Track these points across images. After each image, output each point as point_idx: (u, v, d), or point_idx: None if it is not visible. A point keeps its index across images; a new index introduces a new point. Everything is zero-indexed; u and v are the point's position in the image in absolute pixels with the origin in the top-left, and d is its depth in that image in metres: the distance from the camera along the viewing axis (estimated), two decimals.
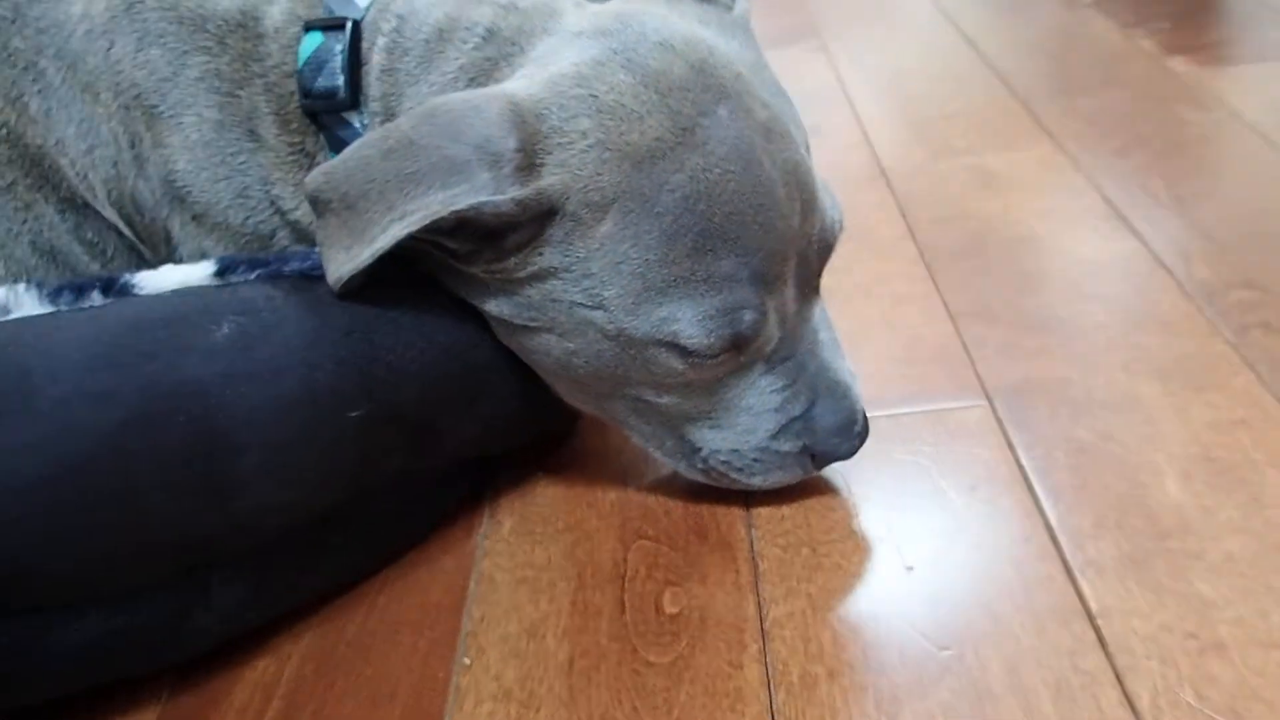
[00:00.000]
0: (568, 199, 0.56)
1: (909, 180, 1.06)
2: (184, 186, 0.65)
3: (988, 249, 0.92)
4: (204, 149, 0.65)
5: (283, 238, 0.67)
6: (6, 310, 0.55)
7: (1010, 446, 0.70)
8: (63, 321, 0.54)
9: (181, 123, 0.65)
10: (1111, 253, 0.89)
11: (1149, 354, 0.76)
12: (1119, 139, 1.08)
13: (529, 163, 0.55)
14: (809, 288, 0.63)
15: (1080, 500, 0.64)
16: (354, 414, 0.56)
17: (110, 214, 0.67)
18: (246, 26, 0.65)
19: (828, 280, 0.91)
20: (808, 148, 0.63)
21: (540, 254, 0.57)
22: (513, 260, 0.58)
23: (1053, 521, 0.63)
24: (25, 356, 0.52)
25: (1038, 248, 0.91)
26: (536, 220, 0.56)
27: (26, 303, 0.56)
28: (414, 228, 0.55)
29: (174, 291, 0.57)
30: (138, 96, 0.65)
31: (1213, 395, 0.71)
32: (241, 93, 0.64)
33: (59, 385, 0.51)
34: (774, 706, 0.55)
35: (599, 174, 0.55)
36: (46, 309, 0.56)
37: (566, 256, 0.57)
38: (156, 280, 0.58)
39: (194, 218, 0.66)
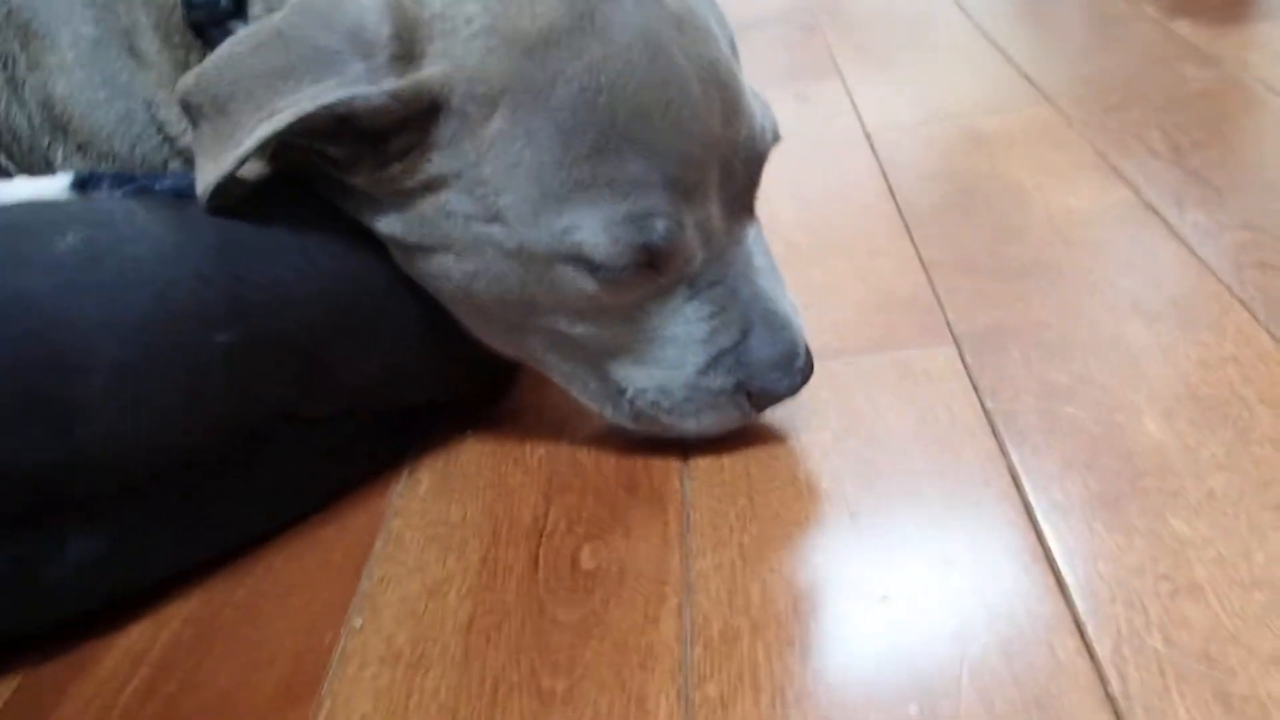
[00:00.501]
0: (452, 92, 0.50)
1: (893, 143, 1.00)
2: (63, 112, 0.61)
3: (971, 203, 0.86)
4: (82, 70, 0.60)
5: (176, 169, 0.61)
6: None
7: (975, 390, 0.63)
8: None
9: (57, 41, 0.60)
10: (1101, 202, 0.82)
11: (1136, 296, 0.69)
12: (1116, 97, 1.01)
13: (407, 52, 0.49)
14: (739, 205, 0.57)
15: (1048, 443, 0.58)
16: (221, 338, 0.51)
17: None
18: None
19: (799, 238, 0.85)
20: (735, 50, 0.58)
21: (428, 160, 0.52)
22: (398, 167, 0.52)
23: (1016, 464, 0.56)
24: None
25: (1023, 200, 0.85)
26: (420, 119, 0.51)
27: None
28: (280, 126, 0.49)
29: (20, 204, 0.52)
30: (9, 13, 0.60)
31: (1203, 334, 0.64)
32: (119, 6, 0.60)
33: None
34: (688, 662, 0.48)
35: (485, 63, 0.50)
36: None
37: (455, 160, 0.51)
38: (5, 192, 0.53)
39: (78, 147, 0.61)
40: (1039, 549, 0.51)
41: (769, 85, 1.05)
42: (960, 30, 1.29)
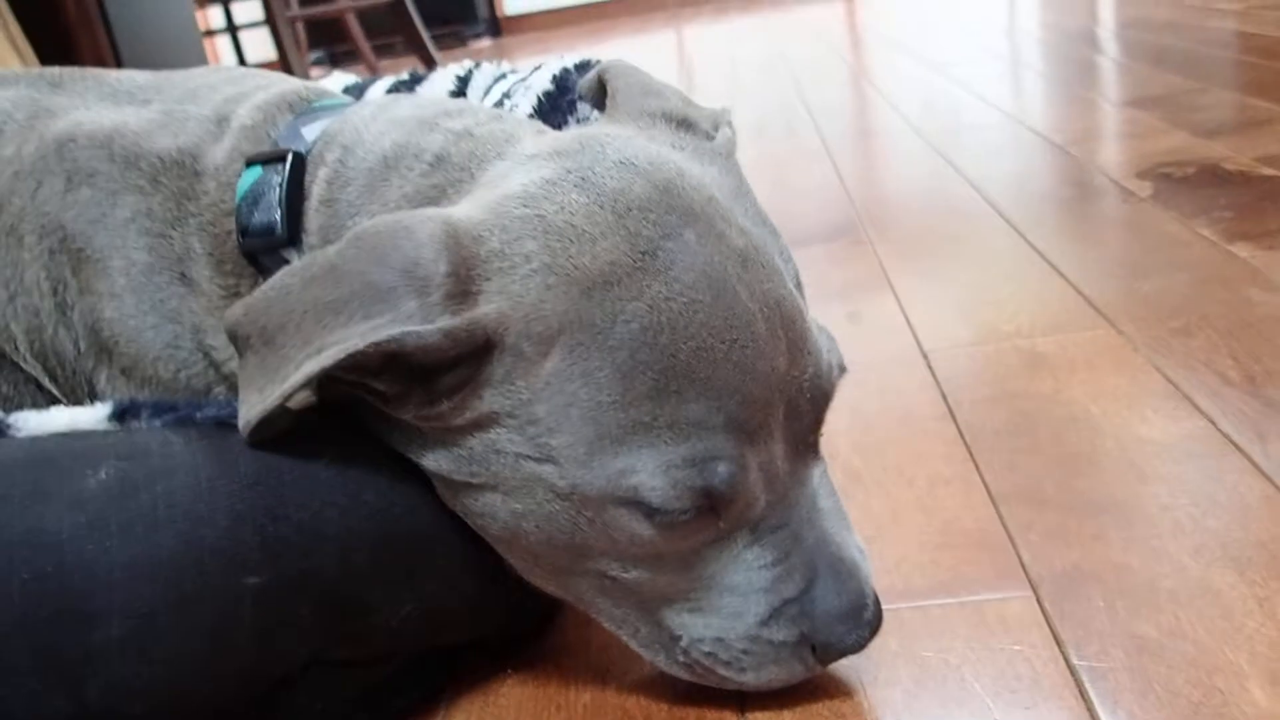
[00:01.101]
0: (507, 330, 0.48)
1: (951, 362, 0.97)
2: (110, 336, 0.60)
3: (1036, 429, 0.82)
4: (132, 295, 0.59)
5: (219, 395, 0.60)
6: None
7: (1058, 643, 0.58)
8: None
9: (109, 267, 0.59)
10: (1175, 433, 0.79)
11: (1223, 540, 0.65)
12: (1180, 319, 0.99)
13: (462, 289, 0.48)
14: (804, 445, 0.54)
15: (1144, 707, 0.52)
16: (251, 581, 0.48)
17: (31, 366, 0.61)
18: (184, 165, 0.60)
19: (856, 464, 0.82)
20: (799, 285, 0.56)
21: (479, 397, 0.50)
22: (448, 405, 0.50)
23: None
24: None
25: (1092, 428, 0.81)
26: (473, 357, 0.49)
27: None
28: (329, 363, 0.47)
29: (55, 434, 0.50)
30: (64, 240, 0.60)
31: None
32: (174, 233, 0.59)
33: None
34: None
35: (543, 302, 0.48)
36: None
37: (508, 399, 0.49)
38: (40, 422, 0.51)
39: (122, 371, 0.60)
40: None
41: (820, 302, 1.04)
42: (1008, 244, 1.28)
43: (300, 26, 3.67)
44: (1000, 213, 1.42)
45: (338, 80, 0.98)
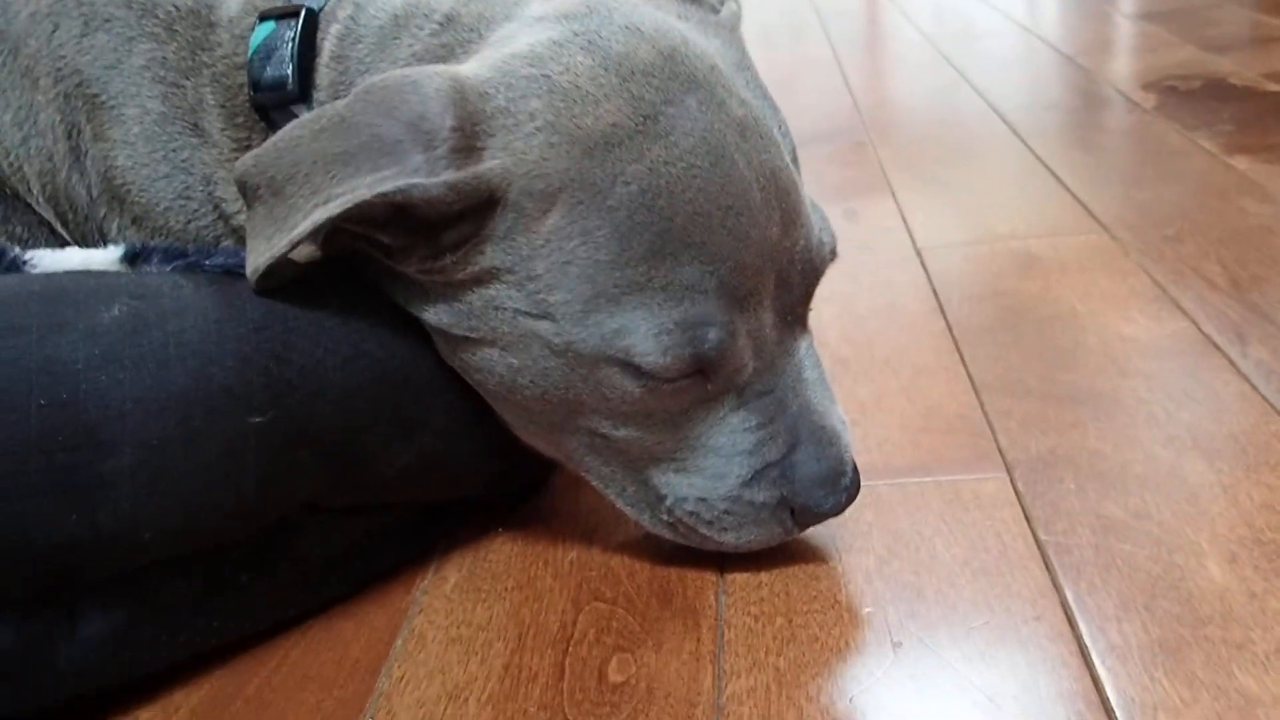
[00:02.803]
0: (510, 186, 0.49)
1: (944, 260, 0.99)
2: (123, 185, 0.61)
3: (1022, 325, 0.84)
4: (145, 143, 0.60)
5: (227, 247, 0.61)
6: None
7: (1028, 520, 0.61)
8: None
9: (123, 115, 0.60)
10: (1158, 333, 0.80)
11: (1196, 431, 0.67)
12: (1173, 227, 1.00)
13: (468, 144, 0.49)
14: (792, 316, 0.56)
15: (1105, 580, 0.55)
16: (256, 420, 0.50)
17: (44, 210, 0.62)
18: (199, 14, 0.60)
19: (846, 352, 0.84)
20: (795, 160, 0.57)
21: (481, 252, 0.51)
22: (450, 258, 0.51)
23: (1070, 601, 0.54)
24: None
25: (1077, 326, 0.83)
26: (476, 212, 0.50)
27: None
28: (335, 213, 0.49)
29: (69, 272, 0.52)
30: (80, 84, 0.61)
31: (1269, 476, 0.62)
32: (187, 83, 0.60)
33: None
34: None
35: (546, 159, 0.49)
36: None
37: (509, 255, 0.51)
38: (55, 260, 0.52)
39: (133, 220, 0.61)
40: (1094, 694, 0.48)
41: (820, 201, 1.05)
42: (1011, 152, 1.29)
43: None
44: (1005, 120, 1.42)
45: None
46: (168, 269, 0.53)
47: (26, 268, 0.51)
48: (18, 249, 0.52)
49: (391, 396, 0.55)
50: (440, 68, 0.51)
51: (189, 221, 0.61)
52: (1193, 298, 0.85)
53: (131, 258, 0.53)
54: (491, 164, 0.49)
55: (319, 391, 0.52)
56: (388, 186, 0.48)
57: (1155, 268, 0.91)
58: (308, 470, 0.53)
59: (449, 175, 0.48)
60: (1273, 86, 1.41)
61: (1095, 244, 0.99)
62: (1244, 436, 0.66)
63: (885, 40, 2.15)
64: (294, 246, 0.50)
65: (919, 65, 1.85)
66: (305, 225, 0.49)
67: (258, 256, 0.51)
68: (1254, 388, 0.71)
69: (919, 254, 1.01)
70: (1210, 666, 0.49)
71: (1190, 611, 0.52)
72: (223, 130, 0.60)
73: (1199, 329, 0.80)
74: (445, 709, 0.52)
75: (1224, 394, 0.71)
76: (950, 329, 0.85)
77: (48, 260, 0.52)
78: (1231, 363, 0.75)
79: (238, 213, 0.60)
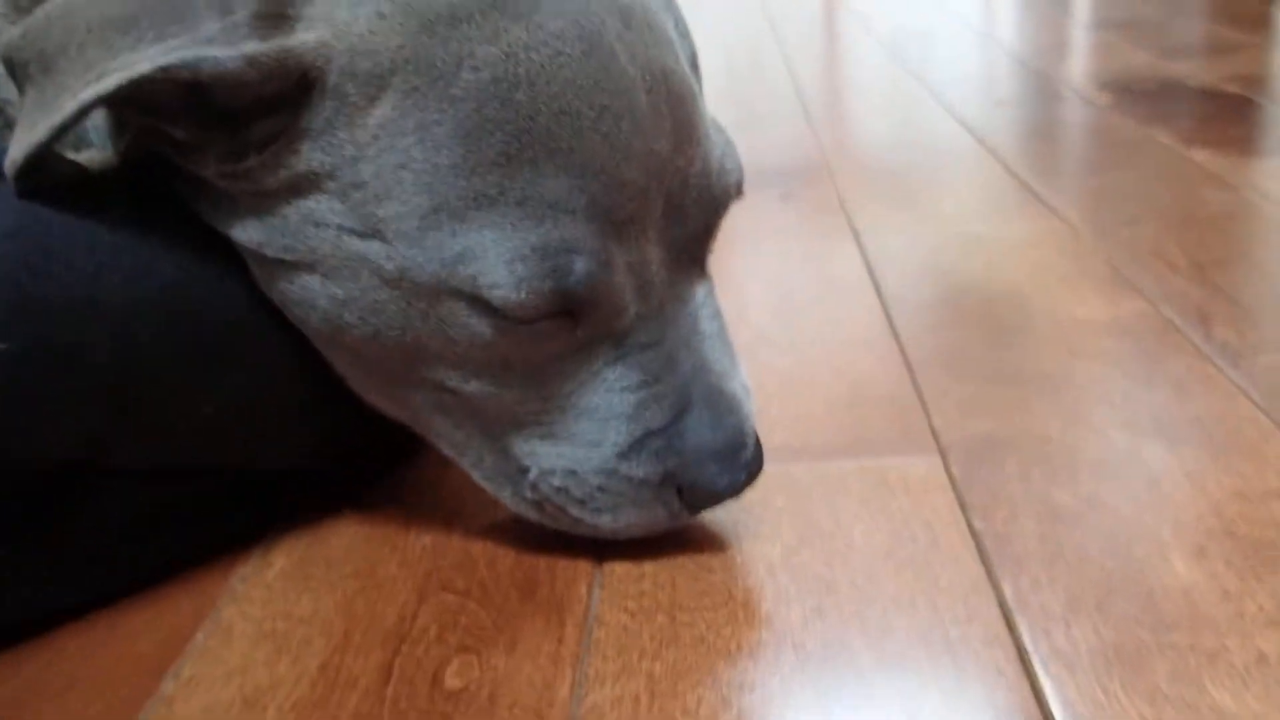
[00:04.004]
0: (329, 65, 0.40)
1: (881, 239, 0.90)
2: None
3: (963, 303, 0.75)
4: None
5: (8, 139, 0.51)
6: None
7: (963, 507, 0.51)
8: None
9: None
10: (1114, 314, 0.72)
11: (1156, 413, 0.59)
12: (1129, 211, 0.92)
13: (276, 10, 0.39)
14: (687, 255, 0.46)
15: (1051, 575, 0.46)
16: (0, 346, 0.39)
17: None
18: None
19: (767, 324, 0.75)
20: (696, 68, 0.48)
21: (295, 151, 0.41)
22: (256, 159, 0.41)
23: (1009, 598, 0.45)
24: None
25: (1023, 305, 0.74)
26: (287, 99, 0.40)
27: None
28: (105, 90, 0.39)
29: None
30: None
31: (1239, 462, 0.53)
32: None
33: None
34: None
35: (374, 34, 0.40)
36: None
37: (328, 154, 0.41)
38: None
39: None
40: (1035, 708, 0.39)
41: (754, 183, 0.96)
42: (961, 143, 1.21)
43: None
44: (954, 115, 1.34)
45: None
46: None
47: None
48: None
49: (188, 327, 0.45)
50: None
51: None
52: (1151, 280, 0.77)
53: None
54: (305, 36, 0.39)
55: (88, 315, 0.42)
56: (173, 59, 0.38)
57: (1111, 251, 0.83)
58: (70, 410, 0.42)
59: (250, 47, 0.38)
60: (1232, 88, 1.34)
61: (1047, 227, 0.90)
62: (1210, 420, 0.58)
63: (841, 44, 2.08)
64: (58, 133, 0.40)
65: (875, 70, 1.78)
66: (71, 107, 0.39)
67: (18, 147, 0.41)
68: (1219, 369, 0.63)
69: (855, 234, 0.92)
70: (1178, 679, 0.39)
71: (1151, 613, 0.43)
72: (3, 10, 0.50)
73: (1158, 310, 0.72)
74: (237, 718, 0.42)
75: (1186, 377, 0.63)
76: (884, 304, 0.76)
77: None
78: (1194, 344, 0.66)
79: (12, 101, 0.50)
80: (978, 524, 0.50)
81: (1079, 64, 1.63)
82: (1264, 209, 0.90)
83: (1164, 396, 0.60)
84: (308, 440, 0.52)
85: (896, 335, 0.71)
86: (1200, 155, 1.08)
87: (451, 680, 0.43)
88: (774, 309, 0.77)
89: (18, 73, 0.43)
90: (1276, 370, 0.62)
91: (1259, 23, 1.82)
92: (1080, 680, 0.40)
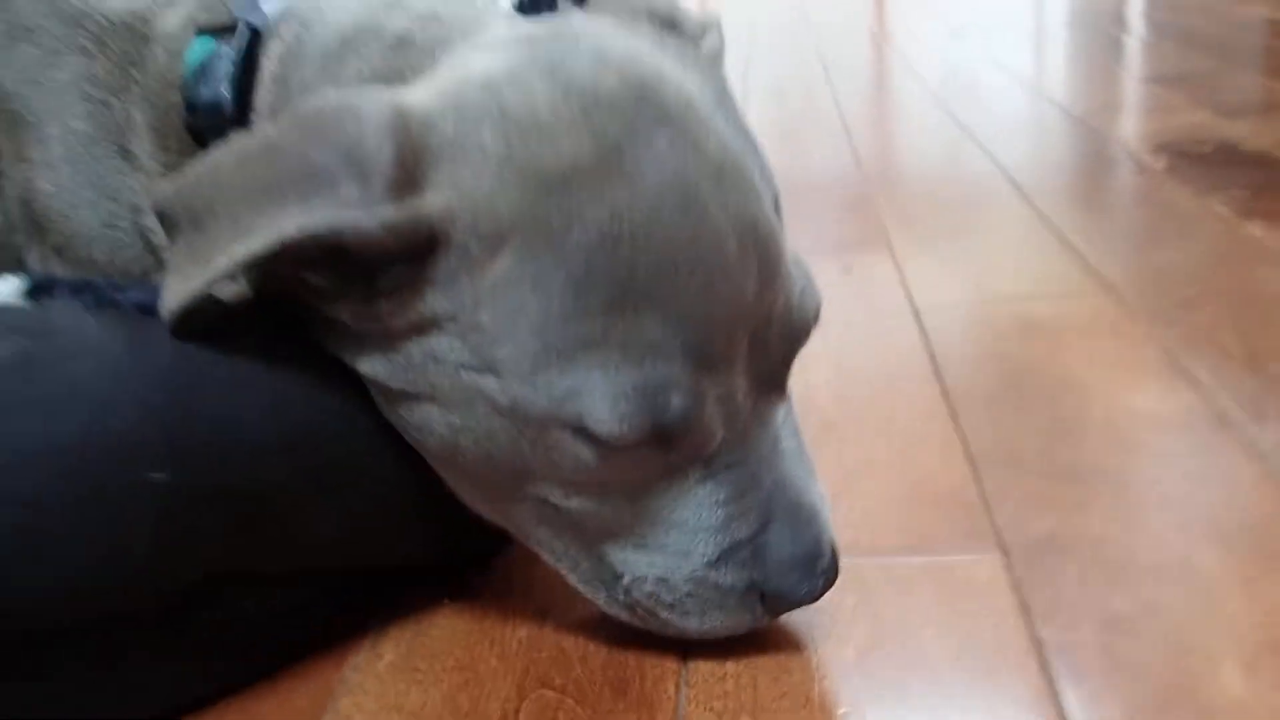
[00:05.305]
0: (454, 226, 0.44)
1: (943, 320, 0.93)
2: (44, 211, 0.56)
3: (1023, 394, 0.79)
4: (69, 166, 0.55)
5: (148, 282, 0.56)
6: None
7: (1025, 611, 0.55)
8: None
9: (45, 134, 0.55)
10: (1170, 405, 0.75)
11: (1210, 517, 0.61)
12: (1184, 293, 0.95)
13: (408, 178, 0.44)
14: (768, 383, 0.50)
15: (1110, 685, 0.49)
16: (156, 478, 0.44)
17: None
18: (133, 28, 0.56)
19: (834, 415, 0.78)
20: (778, 208, 0.52)
21: (421, 298, 0.46)
22: (386, 305, 0.46)
23: (1072, 710, 0.48)
24: None
25: (1082, 395, 0.77)
26: (416, 254, 0.45)
27: None
28: (257, 249, 0.43)
29: None
30: (1, 100, 0.56)
31: None
32: (116, 101, 0.55)
33: None
34: None
35: (496, 197, 0.44)
36: None
37: (451, 301, 0.45)
38: None
39: (54, 249, 0.56)
40: None
41: (814, 254, 1.00)
42: (1016, 210, 1.24)
43: None
44: (1011, 179, 1.37)
45: None
46: (76, 303, 0.48)
47: None
48: None
49: (316, 455, 0.49)
50: (383, 91, 0.46)
51: (114, 252, 0.56)
52: (1206, 369, 0.80)
53: (36, 290, 0.48)
54: (434, 200, 0.44)
55: (232, 448, 0.47)
56: (316, 222, 0.43)
57: (1166, 335, 0.86)
58: (215, 534, 0.47)
59: (386, 212, 0.43)
60: None
61: (1102, 308, 0.93)
62: (1263, 525, 0.60)
63: (891, 95, 2.11)
64: (210, 286, 0.45)
65: (925, 123, 1.81)
66: (223, 262, 0.44)
67: (173, 295, 0.46)
68: (1270, 472, 0.66)
69: (917, 314, 0.96)
70: None
71: None
72: (152, 154, 0.55)
73: (1212, 404, 0.75)
74: None
75: (1240, 476, 0.65)
76: (946, 393, 0.80)
77: None
78: (1250, 442, 0.69)
79: (169, 245, 0.55)
80: (1040, 631, 0.53)
81: (1133, 123, 1.65)
82: None
83: (1218, 497, 0.63)
84: (419, 543, 0.56)
85: (959, 428, 0.74)
86: (1256, 229, 1.10)
87: None
88: (839, 396, 0.81)
89: (168, 224, 0.48)
90: None
91: None
92: None
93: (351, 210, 0.43)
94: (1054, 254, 1.08)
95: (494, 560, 0.63)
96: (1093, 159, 1.44)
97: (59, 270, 0.56)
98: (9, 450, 0.41)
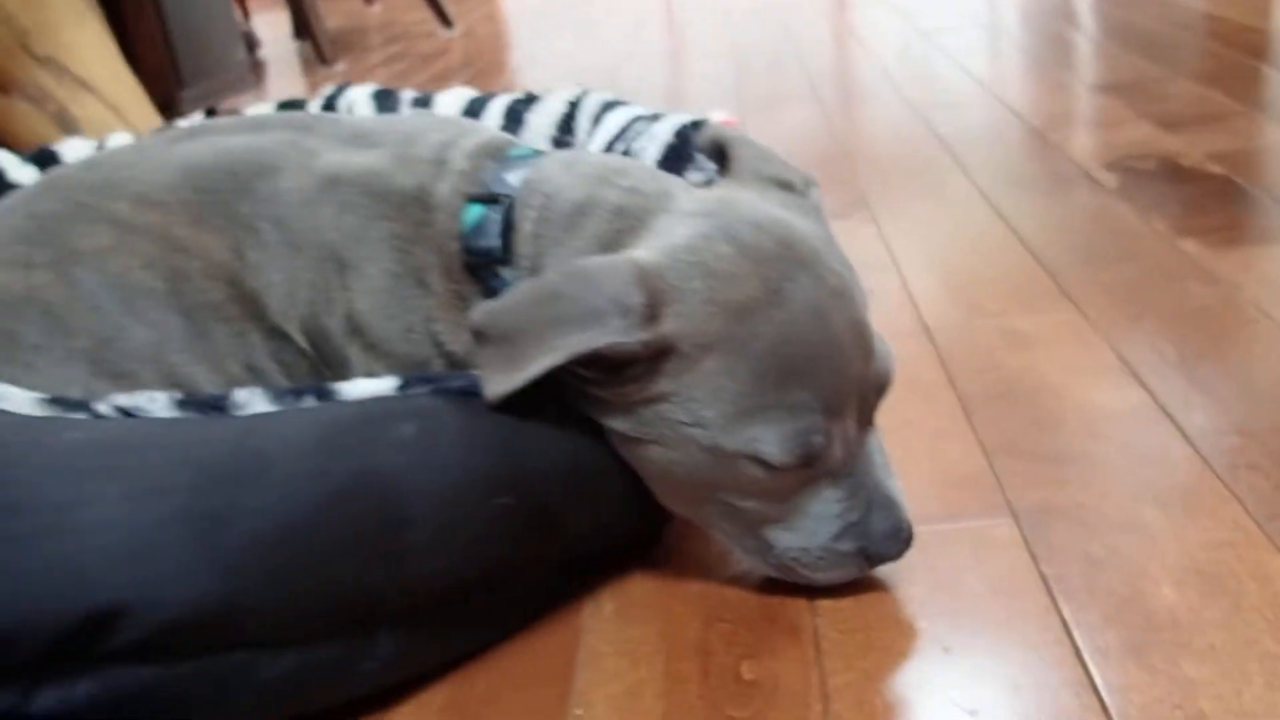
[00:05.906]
0: (680, 341, 0.71)
1: (947, 336, 1.22)
2: (364, 323, 0.82)
3: (1015, 395, 1.07)
4: (383, 294, 0.82)
5: (435, 365, 0.83)
6: (244, 406, 0.72)
7: (1033, 558, 0.83)
8: (288, 416, 0.71)
9: (365, 272, 0.82)
10: (1123, 402, 1.03)
11: (1152, 486, 0.90)
12: (1134, 307, 1.23)
13: (652, 313, 0.71)
14: (866, 420, 0.78)
15: (1090, 601, 0.77)
16: (501, 500, 0.72)
17: (302, 341, 0.83)
18: (421, 200, 0.82)
19: (882, 418, 1.07)
20: (867, 306, 0.79)
21: (655, 382, 0.73)
22: (633, 386, 0.73)
23: (1067, 617, 0.76)
24: (262, 441, 0.68)
25: (1058, 396, 1.06)
26: (655, 357, 0.72)
27: (258, 402, 0.72)
28: (560, 359, 0.70)
29: (367, 398, 0.74)
30: (333, 252, 0.82)
31: (1205, 521, 0.85)
32: (414, 249, 0.82)
33: (287, 463, 0.67)
34: None
35: (705, 322, 0.71)
36: (273, 408, 0.72)
37: (675, 384, 0.73)
38: (352, 389, 0.74)
39: (369, 347, 0.83)
40: (1086, 681, 0.70)
41: None
42: (991, 228, 1.52)
43: None
44: (986, 198, 1.65)
45: (457, 96, 1.19)
46: (426, 391, 0.75)
47: (336, 396, 0.73)
48: (330, 384, 0.74)
49: (584, 479, 0.77)
50: (627, 256, 0.73)
51: (411, 350, 0.83)
52: (1150, 371, 1.08)
53: (404, 386, 0.75)
54: (669, 327, 0.71)
55: (541, 477, 0.74)
56: (600, 342, 0.70)
57: (1120, 344, 1.15)
58: (529, 532, 0.75)
59: (641, 335, 0.70)
60: (1215, 168, 1.65)
61: (1068, 322, 1.22)
62: (1189, 491, 0.89)
63: (856, 82, 2.39)
64: (528, 381, 0.72)
65: (901, 134, 2.09)
66: (537, 367, 0.71)
67: (497, 385, 0.73)
68: (1196, 450, 0.94)
69: (928, 330, 1.24)
70: (1165, 660, 0.71)
71: (1150, 622, 0.75)
72: (441, 283, 0.82)
73: (1155, 400, 1.03)
74: (630, 701, 0.74)
75: (1174, 455, 0.94)
76: (960, 400, 1.08)
77: (348, 390, 0.74)
78: (1180, 429, 0.98)
79: (449, 343, 0.82)
80: (1043, 569, 0.82)
81: (1085, 138, 1.94)
82: (1236, 302, 1.22)
83: (1158, 472, 0.92)
84: (627, 532, 0.84)
85: (973, 427, 1.02)
86: (1189, 245, 1.39)
87: (747, 674, 0.75)
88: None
89: (480, 337, 0.74)
90: (1233, 450, 0.93)
91: (1250, 83, 2.12)
92: (1111, 664, 0.71)
93: (618, 335, 0.70)
94: (1028, 274, 1.36)
95: (660, 538, 0.91)
96: (1054, 179, 1.72)
97: (371, 360, 0.83)
98: (426, 494, 0.69)
